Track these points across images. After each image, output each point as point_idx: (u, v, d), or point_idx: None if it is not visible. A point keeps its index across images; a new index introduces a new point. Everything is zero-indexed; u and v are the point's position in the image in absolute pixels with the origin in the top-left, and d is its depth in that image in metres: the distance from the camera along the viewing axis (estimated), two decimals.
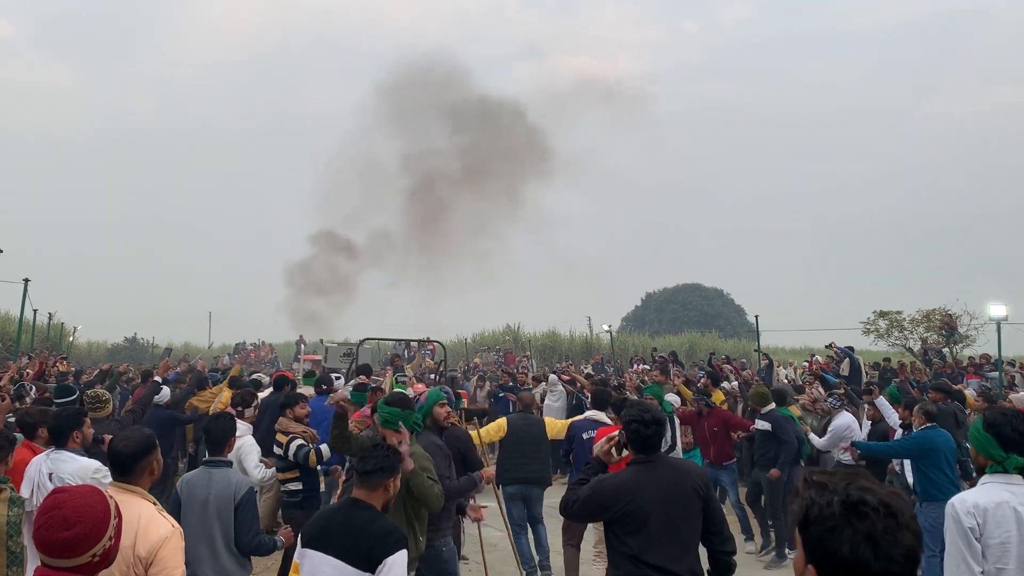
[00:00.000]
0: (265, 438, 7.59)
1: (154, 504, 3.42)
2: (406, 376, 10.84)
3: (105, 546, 2.52)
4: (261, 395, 9.56)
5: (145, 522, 3.27)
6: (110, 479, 4.74)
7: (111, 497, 2.65)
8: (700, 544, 3.99)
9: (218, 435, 4.85)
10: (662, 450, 4.32)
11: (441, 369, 17.64)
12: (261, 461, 6.96)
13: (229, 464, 4.85)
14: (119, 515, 2.62)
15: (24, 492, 4.66)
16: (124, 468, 3.47)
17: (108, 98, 77.31)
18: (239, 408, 7.49)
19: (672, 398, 11.20)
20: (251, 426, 7.47)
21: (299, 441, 6.82)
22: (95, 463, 4.90)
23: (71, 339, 33.49)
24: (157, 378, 8.31)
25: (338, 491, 7.00)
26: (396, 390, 6.59)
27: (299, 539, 3.65)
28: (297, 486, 6.83)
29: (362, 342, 18.64)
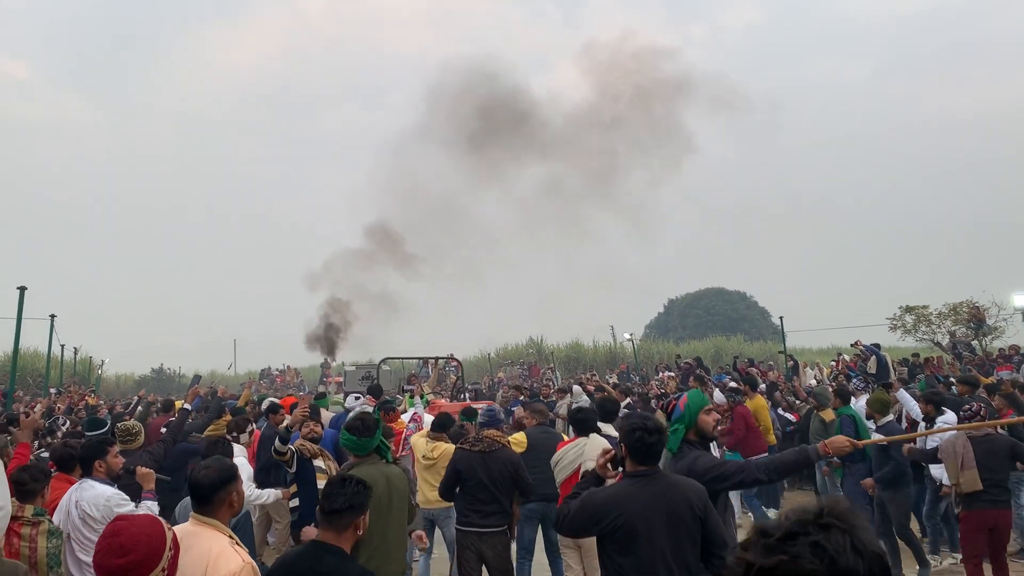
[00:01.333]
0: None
1: (230, 537, 3.36)
2: (421, 395, 10.89)
3: (162, 569, 2.55)
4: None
5: (215, 556, 3.21)
6: (126, 507, 4.90)
7: (170, 529, 2.68)
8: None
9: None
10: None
11: (460, 385, 17.66)
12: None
13: None
14: (176, 547, 2.65)
15: (56, 520, 4.76)
16: (203, 499, 3.39)
17: (126, 133, 78.22)
18: (234, 434, 7.91)
19: (719, 396, 11.39)
20: (244, 449, 7.63)
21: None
22: (109, 491, 5.03)
23: (99, 372, 33.81)
24: (187, 406, 8.34)
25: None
26: (363, 412, 6.44)
27: None
28: (295, 503, 6.77)
29: (382, 363, 18.65)
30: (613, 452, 4.01)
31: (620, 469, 3.98)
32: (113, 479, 5.27)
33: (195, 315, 58.31)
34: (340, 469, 5.68)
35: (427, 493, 7.59)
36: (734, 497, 10.83)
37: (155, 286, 65.32)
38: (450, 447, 7.66)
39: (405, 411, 10.33)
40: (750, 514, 10.76)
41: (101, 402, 21.07)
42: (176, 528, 3.52)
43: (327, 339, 26.81)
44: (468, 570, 6.46)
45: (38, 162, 73.78)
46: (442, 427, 7.80)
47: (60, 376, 27.41)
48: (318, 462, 6.69)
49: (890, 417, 8.55)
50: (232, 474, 3.49)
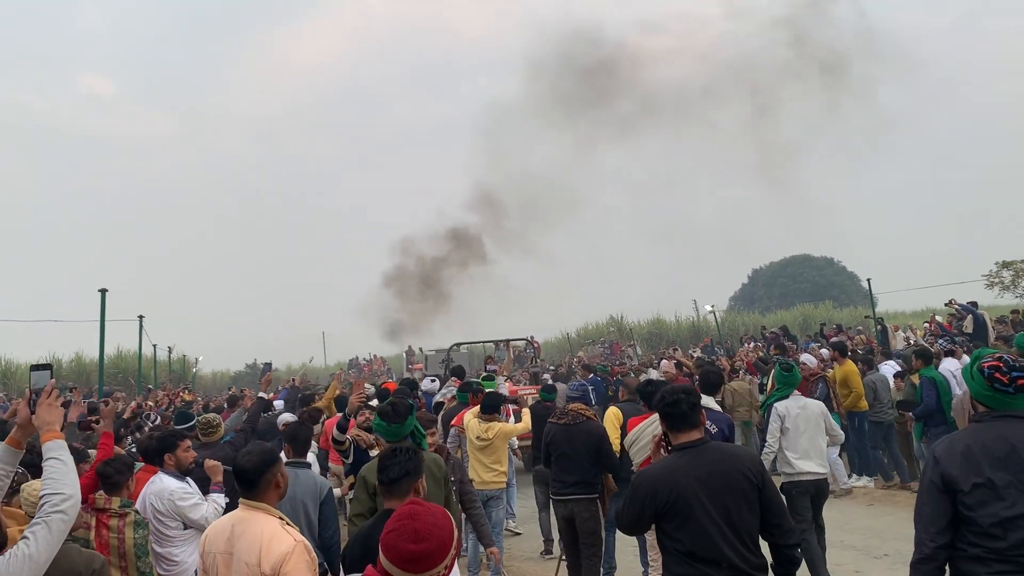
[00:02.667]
0: None
1: (280, 519, 3.43)
2: (496, 377, 10.91)
3: (440, 573, 2.52)
4: None
5: (268, 538, 3.28)
6: (191, 501, 5.02)
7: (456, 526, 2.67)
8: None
9: (301, 439, 5.42)
10: None
11: (535, 366, 17.68)
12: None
13: (309, 465, 5.28)
14: (458, 548, 2.64)
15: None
16: (249, 484, 3.46)
17: (206, 139, 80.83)
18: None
19: (808, 359, 11.17)
20: (314, 443, 7.60)
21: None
22: (174, 484, 5.14)
23: (195, 370, 35.12)
24: (262, 394, 8.52)
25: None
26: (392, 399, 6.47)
27: (341, 566, 3.44)
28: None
29: (454, 347, 18.76)
30: (660, 433, 3.91)
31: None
32: (184, 472, 5.38)
33: (285, 311, 59.99)
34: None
35: (482, 474, 7.68)
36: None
37: (246, 285, 67.45)
38: (504, 426, 7.99)
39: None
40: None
41: (198, 398, 21.95)
42: (227, 515, 3.61)
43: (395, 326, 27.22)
44: (561, 533, 6.93)
45: (127, 174, 76.85)
46: (493, 408, 7.90)
47: (155, 375, 28.57)
48: (374, 452, 6.67)
49: None
50: (274, 457, 3.56)
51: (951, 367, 9.57)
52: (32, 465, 4.30)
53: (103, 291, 16.28)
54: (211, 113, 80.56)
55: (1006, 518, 3.08)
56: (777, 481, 4.50)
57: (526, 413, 8.65)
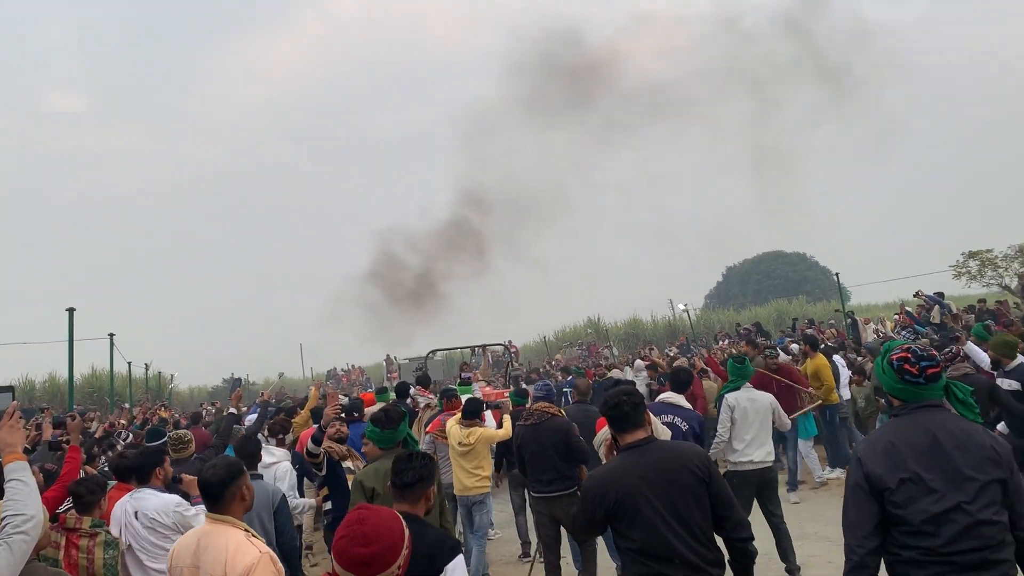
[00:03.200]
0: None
1: (245, 531, 3.46)
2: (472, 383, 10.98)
3: (394, 573, 2.57)
4: None
5: (233, 550, 3.30)
6: (192, 511, 4.92)
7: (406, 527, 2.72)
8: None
9: (249, 453, 5.62)
10: None
11: (509, 371, 17.73)
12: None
13: (261, 476, 5.42)
14: (410, 547, 2.68)
15: (113, 532, 4.82)
16: (215, 497, 3.50)
17: (176, 153, 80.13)
18: (280, 436, 7.98)
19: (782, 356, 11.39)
20: (288, 453, 7.55)
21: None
22: (176, 498, 5.07)
23: (171, 387, 34.81)
24: (232, 410, 8.51)
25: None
26: (385, 405, 6.50)
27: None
28: (328, 506, 6.80)
29: (430, 354, 18.76)
30: (610, 437, 3.99)
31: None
32: (166, 487, 5.34)
33: (262, 323, 59.54)
34: (361, 467, 5.71)
35: (463, 480, 7.73)
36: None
37: (222, 298, 66.90)
38: (486, 431, 7.98)
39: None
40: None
41: (176, 415, 21.75)
42: (193, 530, 3.64)
43: None
44: (544, 534, 6.88)
45: (97, 190, 76.01)
46: (474, 413, 7.97)
47: (131, 393, 28.31)
48: (347, 463, 6.74)
49: (1020, 360, 7.85)
50: (239, 469, 3.59)
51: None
52: None
53: (71, 310, 16.15)
54: (182, 125, 80.00)
55: (936, 513, 2.99)
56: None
57: (507, 419, 8.64)
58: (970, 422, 3.22)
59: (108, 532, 4.75)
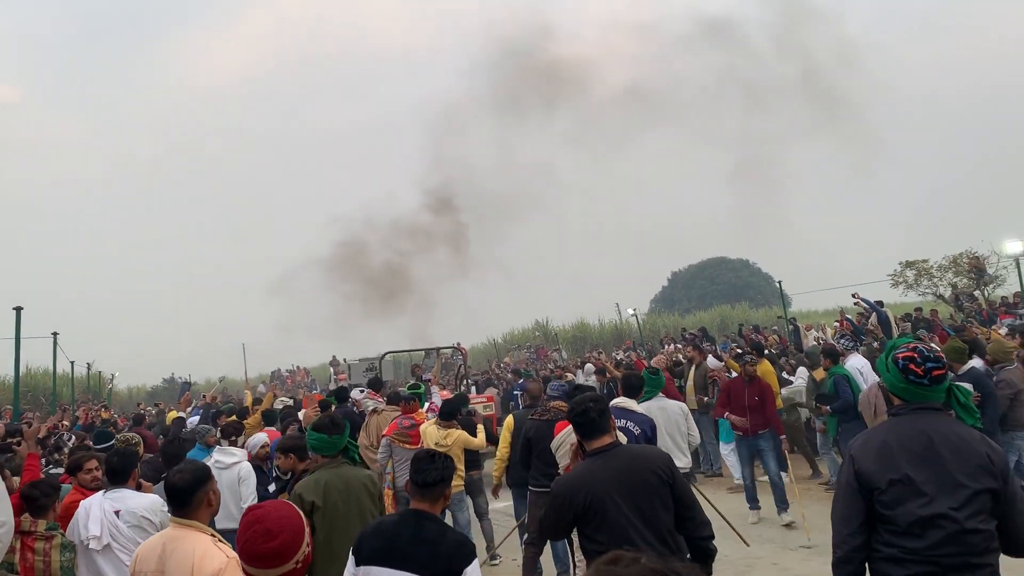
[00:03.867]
0: None
1: (212, 536, 3.45)
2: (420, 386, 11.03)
3: (304, 552, 2.67)
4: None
5: (200, 555, 3.29)
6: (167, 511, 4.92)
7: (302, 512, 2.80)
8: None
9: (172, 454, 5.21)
10: None
11: (462, 373, 17.78)
12: None
13: None
14: (309, 525, 2.76)
15: (95, 530, 4.70)
16: (181, 502, 3.49)
17: (117, 145, 78.12)
18: (233, 438, 7.94)
19: (712, 362, 11.65)
20: (246, 452, 7.52)
21: None
22: (159, 498, 4.97)
23: (110, 386, 34.06)
24: (181, 414, 8.45)
25: None
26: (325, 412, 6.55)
27: (351, 555, 3.48)
28: None
29: (383, 356, 18.71)
30: (576, 441, 4.05)
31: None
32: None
33: (203, 323, 58.46)
34: (298, 478, 5.61)
35: None
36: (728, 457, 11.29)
37: (161, 298, 65.49)
38: (463, 434, 8.11)
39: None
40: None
41: (115, 415, 21.31)
42: (158, 535, 3.64)
43: None
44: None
45: (34, 182, 73.79)
46: (451, 415, 8.11)
47: (72, 392, 27.64)
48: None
49: (972, 363, 8.33)
50: (206, 474, 3.59)
51: (857, 364, 10.12)
52: None
53: (18, 309, 15.74)
54: (123, 120, 77.94)
55: (925, 516, 2.96)
56: None
57: (481, 430, 8.68)
58: (969, 428, 3.18)
59: (63, 535, 4.71)
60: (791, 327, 22.20)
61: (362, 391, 11.83)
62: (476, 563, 3.41)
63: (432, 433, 8.04)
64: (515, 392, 16.61)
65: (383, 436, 8.60)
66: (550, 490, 3.90)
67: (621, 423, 6.59)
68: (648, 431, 6.65)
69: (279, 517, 2.70)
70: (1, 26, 77.58)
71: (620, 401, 7.06)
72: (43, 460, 8.91)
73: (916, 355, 3.19)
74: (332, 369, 31.38)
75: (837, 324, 21.35)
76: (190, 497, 3.48)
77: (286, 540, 2.64)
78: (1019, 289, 19.83)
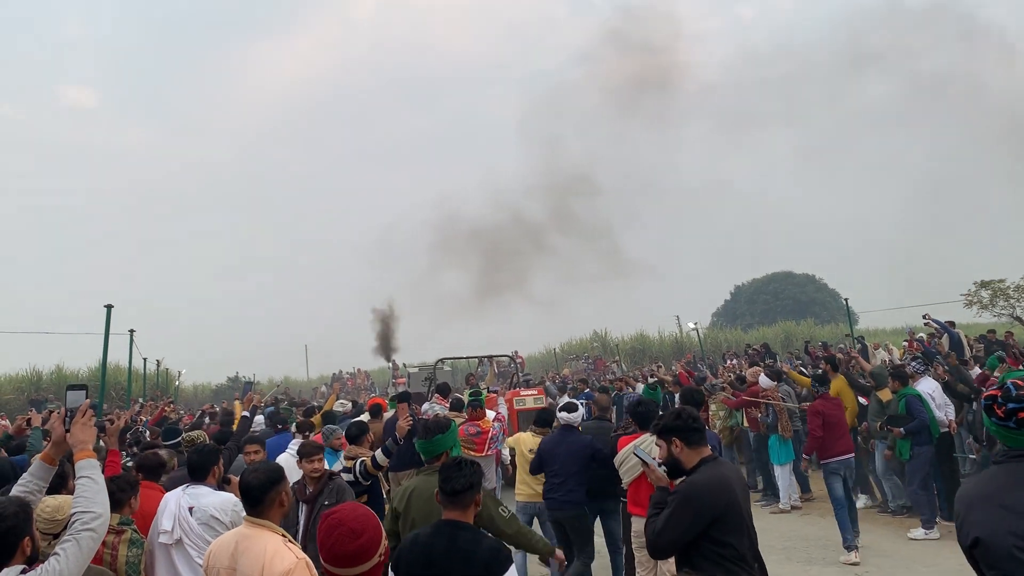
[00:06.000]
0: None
1: (283, 536, 3.51)
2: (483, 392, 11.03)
3: (385, 546, 2.81)
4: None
5: (271, 555, 3.35)
6: (242, 512, 5.01)
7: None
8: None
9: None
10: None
11: (518, 381, 17.76)
12: None
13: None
14: (385, 543, 2.92)
15: (166, 525, 4.81)
16: (255, 501, 3.56)
17: (188, 149, 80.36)
18: (306, 434, 8.22)
19: (765, 381, 11.50)
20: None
21: (361, 459, 6.77)
22: (234, 497, 5.01)
23: (177, 383, 34.94)
24: (245, 413, 8.56)
25: None
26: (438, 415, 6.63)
27: (391, 572, 3.49)
28: None
29: (438, 363, 18.79)
30: (662, 453, 4.06)
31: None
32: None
33: (267, 322, 59.71)
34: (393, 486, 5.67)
35: (533, 486, 7.80)
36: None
37: (227, 295, 67.09)
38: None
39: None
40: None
41: (182, 412, 21.87)
42: (231, 532, 3.72)
43: (384, 340, 27.28)
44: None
45: (109, 186, 76.29)
46: (546, 422, 8.08)
47: (144, 388, 28.46)
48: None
49: None
50: (280, 475, 3.66)
51: (928, 388, 9.86)
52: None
53: (109, 307, 16.40)
54: (195, 125, 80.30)
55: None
56: None
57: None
58: None
59: (135, 531, 4.82)
60: (859, 346, 21.65)
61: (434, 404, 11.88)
62: (513, 569, 3.41)
63: (526, 439, 8.12)
64: (581, 401, 16.54)
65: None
66: (683, 492, 3.82)
67: None
68: (717, 445, 6.56)
69: (357, 516, 2.85)
70: (79, 33, 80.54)
71: None
72: (124, 453, 9.20)
73: (999, 394, 2.80)
74: (392, 373, 31.68)
75: (906, 344, 20.79)
76: (263, 496, 3.55)
77: (371, 536, 2.80)
78: None
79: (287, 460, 7.30)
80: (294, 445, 7.85)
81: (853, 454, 9.21)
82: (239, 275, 69.32)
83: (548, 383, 22.09)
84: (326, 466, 6.10)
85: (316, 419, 10.57)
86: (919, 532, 9.22)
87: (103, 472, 5.49)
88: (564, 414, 7.42)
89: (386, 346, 27.28)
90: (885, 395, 9.97)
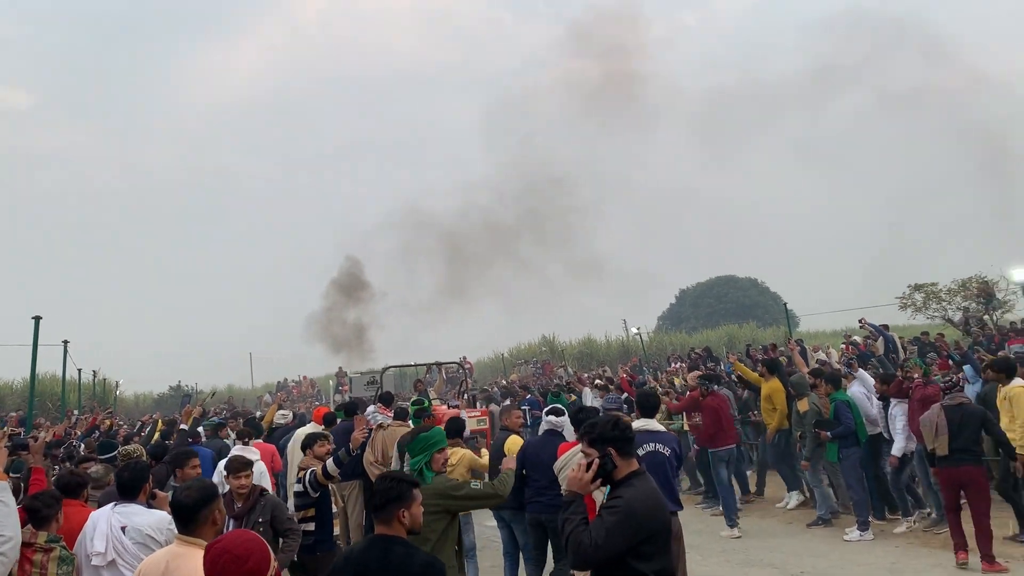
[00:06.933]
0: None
1: None
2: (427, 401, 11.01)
3: (274, 567, 2.82)
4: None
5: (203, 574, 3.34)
6: (174, 530, 4.91)
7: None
8: None
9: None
10: None
11: (462, 388, 17.79)
12: None
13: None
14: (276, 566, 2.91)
15: (99, 546, 4.66)
16: (187, 519, 3.54)
17: (129, 157, 78.41)
18: (245, 440, 8.37)
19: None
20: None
21: (312, 469, 6.64)
22: (167, 515, 4.82)
23: (116, 394, 34.15)
24: (183, 426, 8.43)
25: None
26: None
27: None
28: (311, 527, 6.46)
29: (385, 369, 18.70)
30: (596, 460, 3.71)
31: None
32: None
33: (211, 331, 58.60)
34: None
35: None
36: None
37: (169, 304, 65.75)
38: (468, 454, 7.84)
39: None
40: None
41: (121, 423, 21.37)
42: (162, 551, 3.68)
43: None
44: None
45: (42, 191, 74.04)
46: (456, 432, 7.95)
47: (79, 399, 27.75)
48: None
49: None
50: (213, 493, 3.65)
51: (861, 390, 10.17)
52: None
53: (37, 318, 16.02)
54: (134, 128, 78.37)
55: None
56: None
57: (486, 452, 8.29)
58: None
59: (63, 548, 4.71)
60: (798, 349, 22.10)
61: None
62: None
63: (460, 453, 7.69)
64: (523, 408, 16.54)
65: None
66: (625, 507, 3.59)
67: (650, 447, 6.46)
68: (678, 450, 6.55)
69: (242, 542, 2.85)
70: (14, 32, 78.24)
71: (644, 423, 6.80)
72: (56, 468, 8.95)
73: None
74: (337, 381, 31.39)
75: (843, 347, 21.32)
76: (196, 514, 3.54)
77: (257, 559, 2.80)
78: None
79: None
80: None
81: (735, 444, 10.99)
82: (181, 283, 67.96)
83: (493, 388, 22.15)
84: (254, 481, 6.05)
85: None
86: (855, 534, 9.46)
87: (27, 490, 5.39)
88: (552, 418, 7.28)
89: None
90: (803, 405, 10.23)
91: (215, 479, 7.23)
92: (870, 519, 9.64)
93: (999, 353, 14.32)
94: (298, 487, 6.58)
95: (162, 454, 7.43)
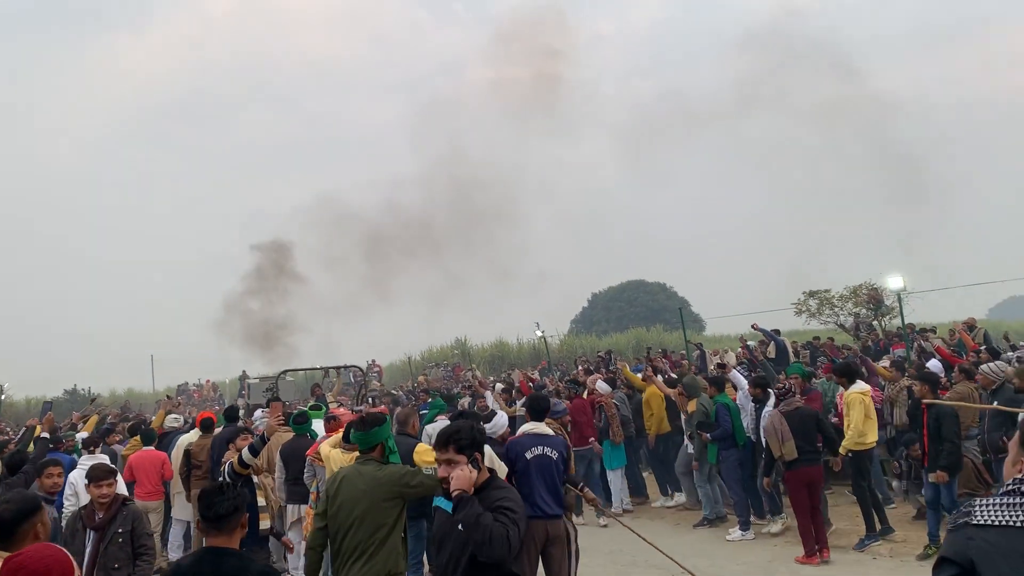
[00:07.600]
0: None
1: None
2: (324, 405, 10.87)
3: None
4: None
5: None
6: None
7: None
8: None
9: None
10: None
11: (362, 393, 17.66)
12: None
13: None
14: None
15: None
16: (6, 534, 3.39)
17: (28, 153, 75.07)
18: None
19: (602, 386, 11.95)
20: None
21: (230, 460, 6.56)
22: None
23: (2, 397, 32.56)
24: (44, 435, 8.05)
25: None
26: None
27: None
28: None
29: (281, 375, 18.38)
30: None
31: None
32: None
33: (109, 333, 56.48)
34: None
35: None
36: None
37: (65, 305, 63.11)
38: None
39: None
40: None
41: (8, 429, 20.38)
42: None
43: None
44: None
45: None
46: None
47: None
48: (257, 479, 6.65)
49: None
50: (34, 505, 3.52)
51: (740, 395, 10.56)
52: None
53: None
54: (32, 122, 75.02)
55: None
56: None
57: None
58: None
59: None
60: (697, 352, 22.74)
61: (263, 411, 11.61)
62: None
63: (336, 457, 7.33)
64: (422, 412, 16.44)
65: (307, 455, 8.31)
66: (513, 504, 3.79)
67: (538, 450, 6.36)
68: (565, 453, 6.55)
69: (41, 558, 2.71)
70: None
71: (532, 427, 6.68)
72: None
73: None
74: (241, 384, 30.64)
75: (740, 351, 21.97)
76: (16, 529, 3.41)
77: (58, 574, 2.66)
78: (917, 321, 20.75)
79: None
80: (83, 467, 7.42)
81: (591, 446, 11.41)
82: (77, 283, 65.30)
83: (399, 392, 22.00)
84: (118, 490, 5.87)
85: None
86: (736, 533, 9.78)
87: None
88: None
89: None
90: (691, 406, 10.53)
91: (66, 490, 6.99)
92: (751, 519, 9.97)
93: (883, 357, 15.02)
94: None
95: (19, 464, 7.10)
